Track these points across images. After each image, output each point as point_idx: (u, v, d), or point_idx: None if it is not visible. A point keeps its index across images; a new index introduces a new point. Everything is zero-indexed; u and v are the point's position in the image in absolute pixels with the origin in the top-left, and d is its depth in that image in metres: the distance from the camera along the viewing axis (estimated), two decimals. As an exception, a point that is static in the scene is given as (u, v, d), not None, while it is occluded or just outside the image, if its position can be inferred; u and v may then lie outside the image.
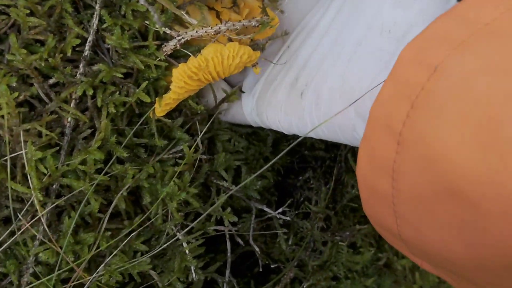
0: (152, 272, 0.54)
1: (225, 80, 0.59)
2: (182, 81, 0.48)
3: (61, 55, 0.46)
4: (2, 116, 0.45)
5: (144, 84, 0.48)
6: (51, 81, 0.47)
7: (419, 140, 0.33)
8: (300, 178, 0.70)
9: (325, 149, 0.70)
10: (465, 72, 0.32)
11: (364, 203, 0.40)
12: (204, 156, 0.56)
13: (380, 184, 0.37)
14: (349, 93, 0.42)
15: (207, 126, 0.54)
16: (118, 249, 0.49)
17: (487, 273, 0.32)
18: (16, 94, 0.44)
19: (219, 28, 0.48)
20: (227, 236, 0.60)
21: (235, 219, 0.56)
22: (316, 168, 0.70)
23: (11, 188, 0.46)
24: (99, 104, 0.47)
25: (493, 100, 0.30)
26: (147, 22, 0.48)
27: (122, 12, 0.48)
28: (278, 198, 0.69)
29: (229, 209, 0.57)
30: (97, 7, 0.47)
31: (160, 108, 0.49)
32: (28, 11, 0.45)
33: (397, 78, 0.36)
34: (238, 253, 0.66)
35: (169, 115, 0.52)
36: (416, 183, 0.34)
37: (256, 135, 0.63)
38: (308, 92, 0.47)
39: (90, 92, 0.46)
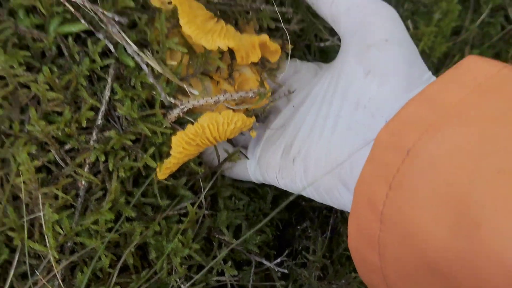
0: (157, 323, 0.57)
1: (229, 140, 0.64)
2: (180, 147, 0.52)
3: (76, 124, 0.51)
4: (23, 182, 0.49)
5: (151, 150, 0.52)
6: (66, 147, 0.52)
7: (398, 220, 0.36)
8: (299, 227, 0.73)
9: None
10: (433, 156, 0.35)
11: (358, 271, 0.44)
12: (206, 212, 0.60)
13: (370, 256, 0.40)
14: (333, 164, 0.46)
15: (210, 184, 0.58)
16: (125, 302, 0.53)
17: None
18: (36, 162, 0.49)
19: (218, 98, 0.53)
20: (229, 287, 0.63)
21: (235, 272, 0.60)
22: (313, 218, 0.74)
23: (29, 247, 0.50)
24: (110, 169, 0.52)
25: (459, 183, 0.32)
26: (154, 92, 0.53)
27: (132, 84, 0.53)
28: (278, 248, 0.73)
29: (230, 263, 0.60)
30: (109, 80, 0.52)
31: (161, 172, 0.54)
32: (47, 87, 0.50)
33: (376, 160, 0.39)
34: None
35: (173, 174, 0.56)
36: (400, 259, 0.37)
37: (256, 192, 0.67)
38: (298, 159, 0.51)
39: (102, 158, 0.51)
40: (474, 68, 0.40)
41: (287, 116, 0.58)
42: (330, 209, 0.74)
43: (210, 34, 0.51)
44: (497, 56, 1.24)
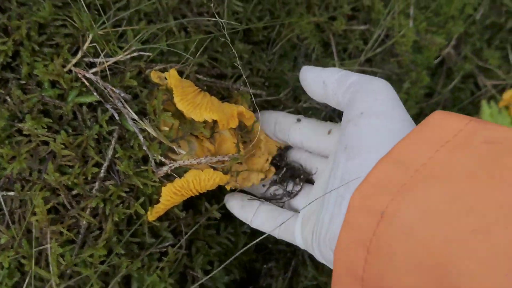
0: None
1: (248, 191, 0.76)
2: (168, 196, 0.65)
3: (83, 176, 0.64)
4: (37, 220, 0.62)
5: (141, 200, 0.66)
6: (73, 192, 0.65)
7: (379, 283, 0.35)
8: (265, 266, 0.86)
9: (286, 244, 0.87)
10: (406, 218, 0.34)
11: None
12: (184, 251, 0.72)
13: None
14: (333, 239, 0.46)
15: (190, 232, 0.71)
16: (110, 322, 0.65)
17: None
18: (48, 206, 0.62)
19: (201, 160, 0.67)
20: (198, 316, 0.75)
21: (204, 304, 0.72)
22: (278, 259, 0.86)
23: (36, 272, 0.63)
24: (107, 213, 0.64)
25: (435, 245, 0.32)
26: (148, 152, 0.66)
27: (131, 144, 0.66)
28: (247, 282, 0.85)
29: (200, 295, 0.73)
30: (112, 141, 0.65)
31: (152, 215, 0.66)
32: (63, 146, 0.63)
33: (351, 225, 0.39)
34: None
35: (159, 218, 0.69)
36: None
37: (230, 241, 0.79)
38: (314, 232, 0.55)
39: (101, 205, 0.64)
40: (441, 124, 0.39)
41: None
42: (293, 252, 0.86)
43: (198, 109, 0.64)
44: (465, 119, 1.38)
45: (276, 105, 0.89)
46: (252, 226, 0.69)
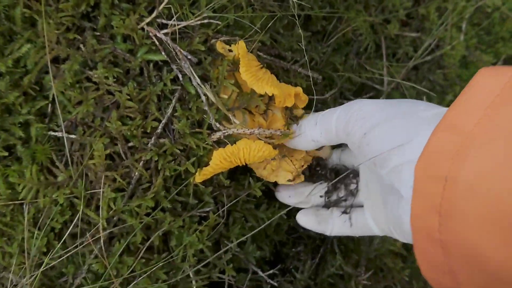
0: (165, 298, 0.72)
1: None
2: (218, 160, 0.68)
3: (142, 129, 0.67)
4: (94, 163, 0.65)
5: (192, 159, 0.68)
6: (130, 144, 0.68)
7: (456, 243, 0.38)
8: (293, 250, 0.87)
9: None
10: (469, 178, 0.37)
11: None
12: (222, 220, 0.74)
13: (445, 282, 0.41)
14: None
15: (232, 203, 0.73)
16: (146, 273, 0.68)
17: None
18: (108, 151, 0.65)
19: (253, 131, 0.69)
20: (227, 284, 0.77)
21: (234, 273, 0.74)
22: (307, 245, 0.88)
23: (85, 213, 0.65)
24: (159, 167, 0.67)
25: (500, 198, 0.34)
26: (205, 116, 0.69)
27: (189, 107, 0.69)
28: (273, 265, 0.87)
29: (231, 265, 0.75)
30: (173, 101, 0.68)
31: (199, 177, 0.69)
32: (128, 97, 0.66)
33: (420, 194, 0.41)
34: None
35: (204, 183, 0.72)
36: (472, 278, 0.38)
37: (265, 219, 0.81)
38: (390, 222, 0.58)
39: (155, 158, 0.66)
40: (485, 84, 0.41)
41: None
42: (323, 239, 0.88)
43: (260, 82, 0.67)
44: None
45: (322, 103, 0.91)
46: (332, 235, 0.72)
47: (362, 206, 0.70)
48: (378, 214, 0.63)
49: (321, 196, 0.76)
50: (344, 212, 0.70)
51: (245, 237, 0.76)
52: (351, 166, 0.76)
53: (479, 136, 0.38)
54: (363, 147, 0.53)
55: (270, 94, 0.67)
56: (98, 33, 0.68)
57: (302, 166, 0.76)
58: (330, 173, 0.77)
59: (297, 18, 0.69)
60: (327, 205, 0.75)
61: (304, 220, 0.73)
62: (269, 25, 0.76)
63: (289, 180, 0.75)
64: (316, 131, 0.65)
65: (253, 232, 0.75)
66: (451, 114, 0.41)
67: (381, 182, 0.59)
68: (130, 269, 0.67)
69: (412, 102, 0.54)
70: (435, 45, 1.09)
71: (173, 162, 0.69)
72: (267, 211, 0.79)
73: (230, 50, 0.72)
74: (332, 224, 0.70)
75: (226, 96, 0.71)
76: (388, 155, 0.48)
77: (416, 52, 1.06)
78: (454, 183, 0.38)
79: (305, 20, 0.88)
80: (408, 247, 1.26)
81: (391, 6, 1.02)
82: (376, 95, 1.06)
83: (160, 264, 0.69)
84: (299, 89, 0.71)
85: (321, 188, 0.76)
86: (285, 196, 0.77)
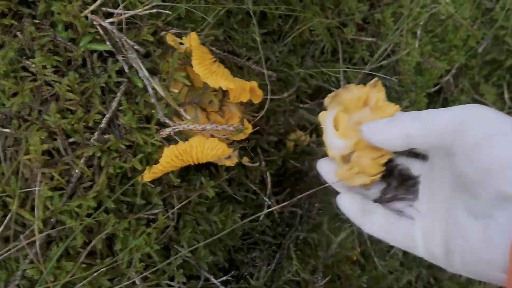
0: (108, 308, 0.66)
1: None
2: (169, 157, 0.64)
3: (84, 123, 0.62)
4: (29, 159, 0.60)
5: (139, 156, 0.64)
6: (71, 139, 0.63)
7: None
8: (248, 256, 0.84)
9: (272, 236, 0.85)
10: None
11: None
12: (172, 223, 0.70)
13: None
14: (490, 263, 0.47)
15: (181, 204, 0.69)
16: (87, 280, 0.63)
17: None
18: (44, 145, 0.60)
19: (205, 127, 0.66)
20: (176, 292, 0.73)
21: (184, 279, 0.70)
22: (263, 250, 0.85)
23: (19, 214, 0.60)
24: (102, 164, 0.63)
25: None
26: (153, 111, 0.65)
27: (136, 101, 0.65)
28: (228, 271, 0.83)
29: (181, 271, 0.70)
30: (119, 94, 0.64)
31: (148, 175, 0.65)
32: (69, 88, 0.62)
33: None
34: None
35: (152, 182, 0.68)
36: None
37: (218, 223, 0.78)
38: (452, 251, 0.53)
39: (98, 154, 0.62)
40: None
41: None
42: (279, 245, 0.85)
43: (214, 75, 0.64)
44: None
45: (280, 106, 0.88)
46: (366, 232, 0.62)
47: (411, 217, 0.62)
48: (435, 231, 0.56)
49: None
50: (398, 211, 0.61)
51: (198, 245, 0.72)
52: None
53: None
54: (481, 149, 0.49)
55: (225, 88, 0.64)
56: (37, 20, 0.63)
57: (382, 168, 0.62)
58: (396, 176, 0.64)
59: (252, 14, 0.66)
60: (379, 200, 0.64)
61: (347, 206, 0.61)
62: (223, 19, 0.74)
63: (363, 185, 0.62)
64: (415, 124, 0.54)
65: (207, 241, 0.71)
66: None
67: (465, 198, 0.53)
68: (69, 275, 0.62)
69: None
70: (391, 50, 1.09)
71: (118, 159, 0.65)
72: (220, 214, 0.76)
73: (182, 43, 0.69)
74: (375, 220, 0.61)
75: (176, 91, 0.67)
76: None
77: (372, 57, 1.06)
78: None
79: (261, 18, 0.86)
80: (365, 255, 1.25)
81: (347, 9, 1.02)
82: (333, 99, 1.05)
83: (103, 269, 0.64)
84: (254, 84, 0.69)
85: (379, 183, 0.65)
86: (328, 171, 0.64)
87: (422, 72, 1.20)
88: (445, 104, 1.38)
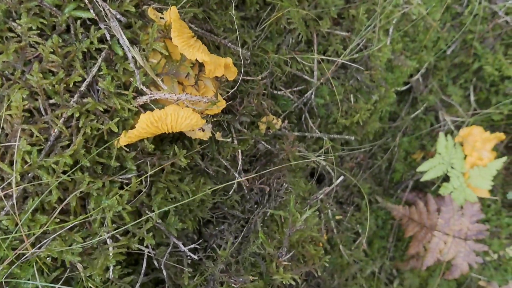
0: (79, 265, 0.70)
1: None
2: (145, 124, 0.68)
3: (64, 85, 0.66)
4: (10, 115, 0.63)
5: (116, 119, 0.68)
6: (51, 101, 0.67)
7: None
8: (217, 229, 0.88)
9: (241, 211, 0.90)
10: None
11: None
12: (144, 189, 0.74)
13: None
14: None
15: (154, 170, 0.73)
16: (58, 233, 0.66)
17: None
18: (26, 102, 0.63)
19: (181, 97, 0.70)
20: (146, 256, 0.77)
21: (153, 242, 0.74)
22: (231, 224, 0.89)
23: (-2, 168, 0.63)
24: (80, 125, 0.67)
25: None
26: (131, 79, 0.70)
27: (116, 68, 0.69)
28: (195, 242, 0.87)
29: (151, 234, 0.74)
30: (99, 59, 0.68)
31: (124, 139, 0.69)
32: (52, 50, 0.65)
33: None
34: (151, 278, 0.82)
35: (127, 147, 0.72)
36: None
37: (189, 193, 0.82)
38: None
39: (76, 115, 0.66)
40: None
41: None
42: (246, 220, 0.89)
43: (191, 48, 0.68)
44: (423, 147, 1.48)
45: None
46: None
47: None
48: None
49: None
50: None
51: (168, 207, 0.76)
52: None
53: None
54: None
55: (201, 61, 0.69)
56: (24, -15, 0.67)
57: None
58: None
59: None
60: None
61: None
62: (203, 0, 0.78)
63: None
64: None
65: (176, 204, 0.75)
66: None
67: None
68: (43, 228, 0.65)
69: None
70: (363, 45, 1.16)
71: (96, 121, 0.68)
72: (192, 184, 0.80)
73: (162, 18, 0.73)
74: None
75: (155, 61, 0.72)
76: None
77: (345, 51, 1.12)
78: None
79: (240, 4, 0.91)
80: (331, 242, 1.30)
81: (323, 3, 1.08)
82: (306, 88, 1.11)
83: (75, 224, 0.68)
84: (229, 60, 0.73)
85: None
86: None
87: (393, 69, 1.26)
88: (415, 103, 1.45)
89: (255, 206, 0.94)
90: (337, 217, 1.32)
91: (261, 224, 0.90)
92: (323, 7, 1.08)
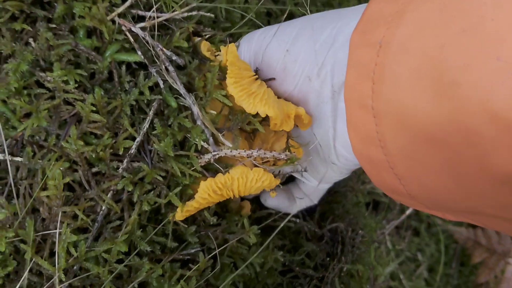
0: None
1: None
2: (207, 193, 0.56)
3: (111, 150, 0.53)
4: (47, 196, 0.51)
5: (177, 189, 0.56)
6: (94, 169, 0.54)
7: (388, 108, 0.40)
8: (288, 293, 0.76)
9: (314, 268, 0.78)
10: (402, 39, 0.39)
11: (370, 176, 0.48)
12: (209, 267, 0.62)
13: (374, 154, 0.44)
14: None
15: (221, 248, 0.61)
16: (116, 338, 0.54)
17: (483, 199, 0.38)
18: (67, 179, 0.51)
19: (251, 153, 0.57)
20: None
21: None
22: (303, 285, 0.77)
23: (35, 263, 0.51)
24: (134, 200, 0.54)
25: (431, 52, 0.36)
26: (188, 135, 0.57)
27: (169, 123, 0.57)
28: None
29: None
30: (151, 113, 0.56)
31: (181, 213, 0.56)
32: (94, 108, 0.53)
33: (354, 62, 0.43)
34: None
35: (184, 221, 0.59)
36: (399, 143, 0.41)
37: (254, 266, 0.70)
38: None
39: (129, 188, 0.53)
40: None
41: None
42: (321, 278, 0.77)
43: (252, 98, 0.55)
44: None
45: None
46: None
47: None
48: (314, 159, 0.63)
49: None
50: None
51: None
52: None
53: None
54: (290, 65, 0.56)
55: (263, 115, 0.55)
56: (54, 25, 0.54)
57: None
58: None
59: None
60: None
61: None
62: (264, 21, 0.65)
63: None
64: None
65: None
66: None
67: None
68: (96, 334, 0.53)
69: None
70: None
71: (152, 192, 0.56)
72: (261, 255, 0.68)
73: (217, 55, 0.60)
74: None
75: (215, 112, 0.58)
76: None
77: None
78: (387, 47, 0.40)
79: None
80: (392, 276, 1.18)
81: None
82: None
83: (133, 324, 0.56)
84: (301, 110, 0.59)
85: None
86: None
87: None
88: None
89: (327, 258, 0.81)
90: (397, 247, 1.21)
91: (339, 282, 0.78)
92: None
